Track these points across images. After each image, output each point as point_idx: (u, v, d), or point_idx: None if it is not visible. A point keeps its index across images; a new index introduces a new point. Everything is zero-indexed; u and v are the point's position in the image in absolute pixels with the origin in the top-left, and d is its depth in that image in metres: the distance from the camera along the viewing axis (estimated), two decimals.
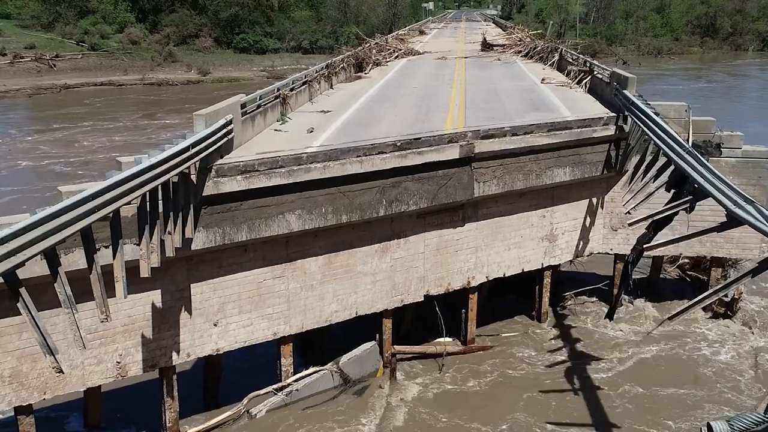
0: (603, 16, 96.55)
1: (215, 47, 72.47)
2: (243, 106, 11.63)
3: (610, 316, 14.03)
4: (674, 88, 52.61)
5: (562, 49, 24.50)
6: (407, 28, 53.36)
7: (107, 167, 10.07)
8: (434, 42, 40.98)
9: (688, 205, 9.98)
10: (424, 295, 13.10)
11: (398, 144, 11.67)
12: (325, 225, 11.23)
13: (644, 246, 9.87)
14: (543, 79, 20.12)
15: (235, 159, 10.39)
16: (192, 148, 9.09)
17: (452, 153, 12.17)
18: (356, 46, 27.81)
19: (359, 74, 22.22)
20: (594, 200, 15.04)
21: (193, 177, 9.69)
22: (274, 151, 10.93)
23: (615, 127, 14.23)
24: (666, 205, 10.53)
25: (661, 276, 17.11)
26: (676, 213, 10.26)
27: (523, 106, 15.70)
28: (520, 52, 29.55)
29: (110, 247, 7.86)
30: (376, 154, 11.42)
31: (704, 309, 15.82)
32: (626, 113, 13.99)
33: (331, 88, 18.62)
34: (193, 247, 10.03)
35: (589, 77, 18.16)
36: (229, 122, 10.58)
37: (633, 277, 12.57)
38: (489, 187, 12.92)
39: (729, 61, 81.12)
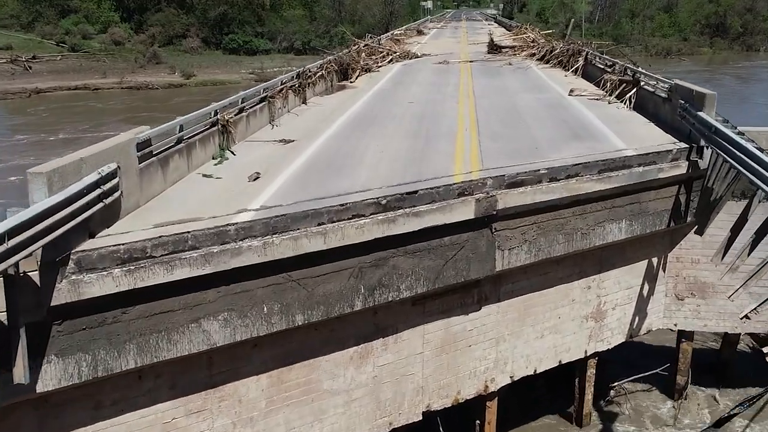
0: (608, 15, 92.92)
1: (203, 48, 68.61)
2: (146, 144, 7.61)
3: None
4: None
5: (587, 52, 20.47)
6: (404, 27, 49.25)
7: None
8: (434, 43, 36.91)
9: None
10: (423, 412, 9.10)
11: (383, 202, 7.66)
12: (269, 331, 7.24)
13: None
14: (571, 91, 16.09)
15: (115, 240, 6.38)
16: (9, 238, 5.09)
17: (464, 212, 8.17)
18: (349, 47, 23.78)
19: (343, 83, 18.22)
20: (654, 261, 11.06)
21: (35, 275, 5.72)
22: (185, 220, 6.92)
23: (687, 163, 10.25)
24: None
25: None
26: None
27: (556, 131, 11.65)
28: (534, 54, 25.50)
29: None
30: (348, 219, 7.42)
31: None
32: (705, 144, 10.05)
33: (304, 103, 14.57)
34: (39, 390, 6.06)
35: (635, 90, 14.14)
36: (108, 176, 6.57)
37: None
38: (517, 256, 8.92)
39: (736, 62, 76.91)
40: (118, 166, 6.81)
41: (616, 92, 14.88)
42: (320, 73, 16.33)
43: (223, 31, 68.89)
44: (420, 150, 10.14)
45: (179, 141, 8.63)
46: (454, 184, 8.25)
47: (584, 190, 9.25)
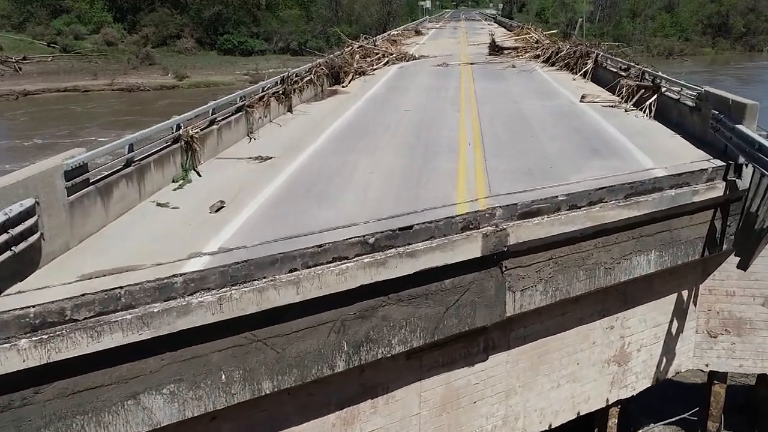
0: (608, 15, 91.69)
1: (197, 49, 67.32)
2: (80, 170, 6.22)
3: None
4: None
5: (597, 54, 19.09)
6: (401, 27, 47.79)
7: None
8: (432, 43, 35.54)
9: None
10: None
11: (371, 241, 6.29)
12: (229, 403, 5.87)
13: None
14: (583, 97, 14.72)
15: (24, 299, 5.01)
16: None
17: (469, 250, 6.80)
18: (343, 48, 22.42)
19: (335, 87, 16.85)
20: (684, 294, 9.69)
21: None
22: (120, 269, 5.54)
23: (725, 183, 8.89)
24: None
25: None
26: None
27: (571, 145, 10.28)
28: (539, 56, 24.13)
29: None
30: (328, 263, 6.05)
31: None
32: (745, 162, 8.69)
33: (290, 111, 13.20)
34: None
35: (655, 96, 12.77)
36: (21, 216, 5.20)
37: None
38: (531, 298, 7.55)
39: (738, 63, 75.39)
40: (37, 202, 5.44)
41: (634, 99, 13.50)
42: (309, 78, 14.95)
43: (218, 32, 67.61)
44: (417, 169, 8.74)
45: (128, 163, 7.24)
46: (457, 216, 6.87)
47: (609, 218, 7.88)
